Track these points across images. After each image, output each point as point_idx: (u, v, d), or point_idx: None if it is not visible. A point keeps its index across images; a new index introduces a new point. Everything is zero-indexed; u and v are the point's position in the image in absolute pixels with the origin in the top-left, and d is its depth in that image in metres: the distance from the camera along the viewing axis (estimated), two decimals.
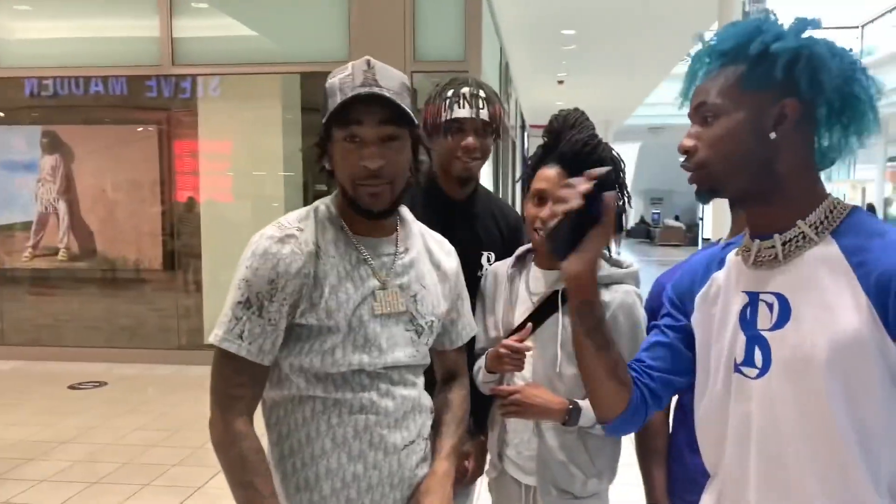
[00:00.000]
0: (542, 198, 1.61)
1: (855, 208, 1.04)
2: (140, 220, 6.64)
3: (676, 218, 25.86)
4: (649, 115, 17.04)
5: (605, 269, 1.64)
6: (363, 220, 1.33)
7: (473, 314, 1.64)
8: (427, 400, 1.43)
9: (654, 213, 24.94)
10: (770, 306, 1.03)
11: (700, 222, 22.11)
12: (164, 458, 4.07)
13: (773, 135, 1.00)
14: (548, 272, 1.68)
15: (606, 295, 1.61)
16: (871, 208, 14.70)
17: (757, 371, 1.04)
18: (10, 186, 6.70)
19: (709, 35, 1.07)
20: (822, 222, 1.02)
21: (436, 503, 1.33)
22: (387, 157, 1.26)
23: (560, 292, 1.62)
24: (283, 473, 1.32)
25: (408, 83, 1.32)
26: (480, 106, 1.79)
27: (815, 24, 1.01)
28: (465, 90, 1.78)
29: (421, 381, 1.42)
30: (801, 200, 1.03)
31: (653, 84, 12.41)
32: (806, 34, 1.01)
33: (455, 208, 1.87)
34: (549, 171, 1.61)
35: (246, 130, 6.68)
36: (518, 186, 13.00)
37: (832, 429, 0.97)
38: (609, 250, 1.70)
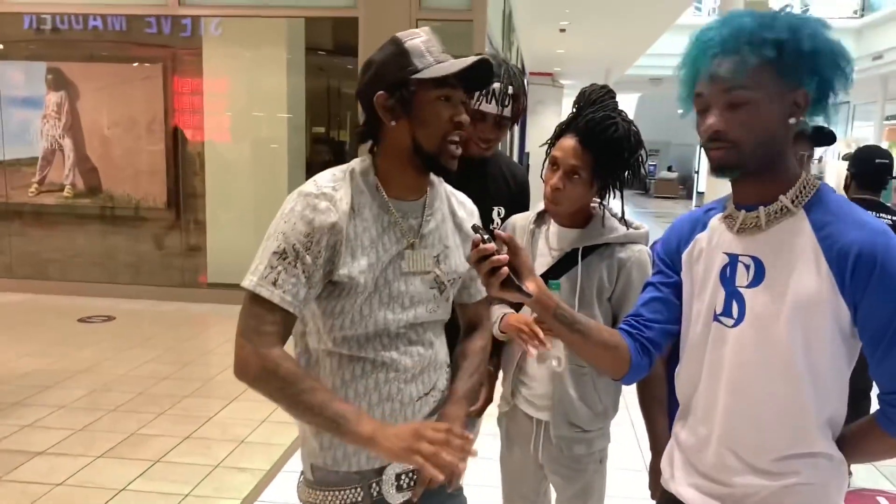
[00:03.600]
0: (555, 164, 1.76)
1: (823, 184, 1.21)
2: (144, 158, 6.73)
3: (670, 168, 25.86)
4: (651, 66, 16.90)
5: (620, 230, 1.81)
6: (402, 182, 1.42)
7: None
8: (444, 356, 1.53)
9: (650, 165, 24.97)
10: (747, 267, 1.21)
11: (696, 175, 22.18)
12: (175, 389, 4.29)
13: (792, 120, 1.15)
14: (567, 230, 1.84)
15: (622, 253, 1.79)
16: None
17: (733, 321, 1.23)
18: (12, 121, 6.76)
19: (693, 19, 1.19)
20: (797, 196, 1.19)
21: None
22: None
23: (580, 249, 1.79)
24: None
25: None
26: (506, 104, 1.92)
27: (826, 25, 1.15)
28: (496, 86, 1.89)
29: (439, 339, 1.51)
30: (785, 176, 1.20)
31: (655, 35, 12.32)
32: (823, 27, 1.14)
33: (469, 167, 2.00)
34: (567, 142, 1.74)
35: (250, 72, 6.72)
36: (517, 135, 12.97)
37: (790, 371, 1.17)
38: (623, 212, 1.84)
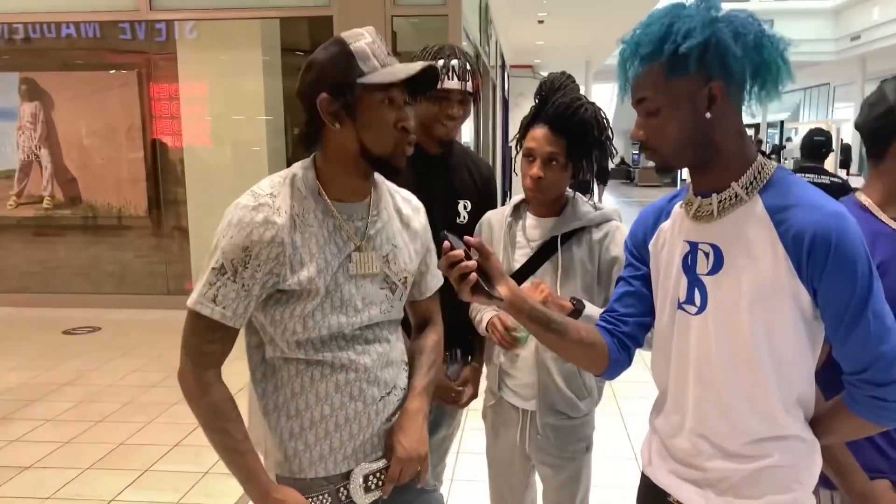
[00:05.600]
0: (531, 156, 1.79)
1: (779, 168, 1.20)
2: (123, 166, 6.66)
3: None
4: None
5: (593, 212, 1.85)
6: (345, 185, 1.40)
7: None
8: (401, 354, 1.53)
9: (634, 154, 25.01)
10: (707, 255, 1.21)
11: None
12: (163, 397, 4.26)
13: (708, 115, 1.15)
14: (543, 219, 1.87)
15: (598, 234, 1.83)
16: (846, 149, 14.75)
17: (696, 308, 1.23)
18: None
19: (627, 33, 1.20)
20: (751, 182, 1.18)
21: (407, 437, 1.43)
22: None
23: (558, 237, 1.81)
24: (271, 424, 1.41)
25: None
26: (466, 78, 1.93)
27: (716, 4, 1.15)
28: (455, 63, 1.91)
29: (395, 336, 1.51)
30: (734, 163, 1.19)
31: (633, 23, 12.33)
32: (712, 16, 1.13)
33: (432, 162, 2.01)
34: (538, 132, 1.78)
35: (226, 75, 6.67)
36: (499, 128, 12.99)
37: (753, 357, 1.17)
38: (592, 196, 1.90)
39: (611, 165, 1.84)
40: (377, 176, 1.48)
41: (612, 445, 3.16)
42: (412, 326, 1.66)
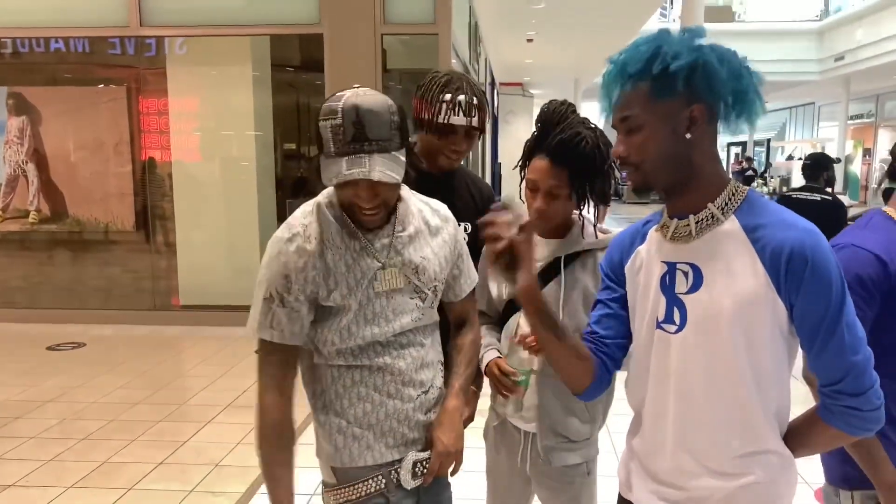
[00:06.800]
0: (534, 187, 1.80)
1: (750, 191, 1.25)
2: (111, 181, 6.63)
3: None
4: None
5: (599, 236, 1.86)
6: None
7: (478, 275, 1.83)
8: (437, 354, 1.63)
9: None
10: (686, 274, 1.24)
11: None
12: (148, 415, 4.21)
13: (688, 135, 1.19)
14: (548, 241, 1.87)
15: (602, 257, 1.81)
16: (836, 161, 14.89)
17: (676, 327, 1.25)
18: None
19: (615, 54, 1.24)
20: (726, 203, 1.22)
21: (446, 433, 1.57)
22: (380, 193, 1.43)
23: (562, 258, 1.82)
24: (321, 420, 1.56)
25: (393, 109, 1.41)
26: (473, 114, 1.95)
27: (701, 32, 1.21)
28: (462, 98, 1.93)
29: (430, 339, 1.61)
30: (710, 186, 1.23)
31: (622, 42, 12.44)
32: (697, 43, 1.19)
33: (434, 183, 2.00)
34: (540, 163, 1.79)
35: (216, 90, 6.67)
36: (489, 145, 13.02)
37: (734, 372, 1.20)
38: (596, 220, 1.92)
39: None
40: (404, 190, 1.58)
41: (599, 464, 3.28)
42: (451, 328, 1.74)
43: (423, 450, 1.58)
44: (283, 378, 1.51)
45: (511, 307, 1.89)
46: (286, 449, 1.51)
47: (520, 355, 1.85)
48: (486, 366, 1.88)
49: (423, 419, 1.58)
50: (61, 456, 3.66)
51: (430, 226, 1.60)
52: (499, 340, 1.93)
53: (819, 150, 5.14)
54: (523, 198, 1.86)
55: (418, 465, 1.57)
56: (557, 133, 1.75)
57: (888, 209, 1.57)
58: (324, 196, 1.53)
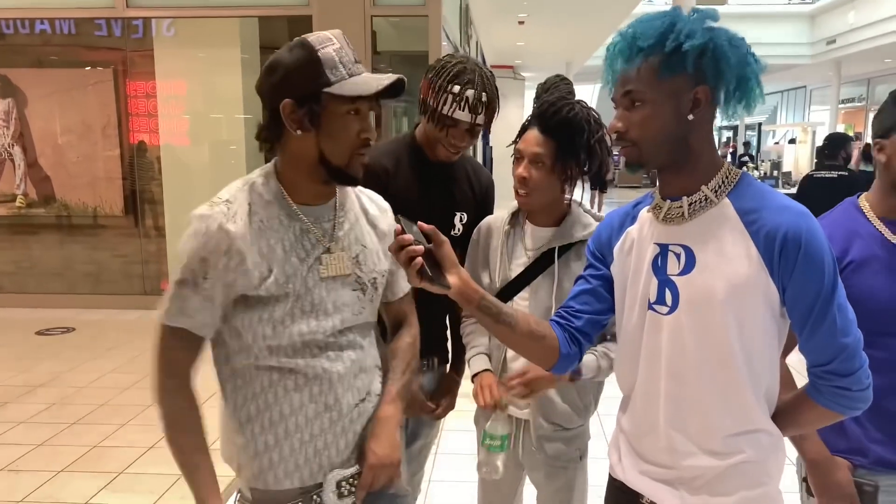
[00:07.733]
0: (520, 156, 1.78)
1: (744, 174, 1.25)
2: (99, 164, 6.58)
3: None
4: None
5: (595, 226, 1.78)
6: (308, 189, 1.39)
7: (463, 265, 1.73)
8: (374, 359, 1.51)
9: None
10: (678, 256, 1.24)
11: None
12: (138, 399, 4.21)
13: (690, 116, 1.19)
14: (541, 228, 1.84)
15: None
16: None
17: (668, 308, 1.25)
18: None
19: (625, 25, 1.22)
20: (720, 186, 1.22)
21: (380, 444, 1.43)
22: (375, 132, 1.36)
23: (556, 248, 1.79)
24: (245, 437, 1.38)
25: None
26: (479, 111, 1.83)
27: (713, 15, 1.20)
28: (470, 93, 1.80)
29: (368, 340, 1.49)
30: (705, 168, 1.23)
31: (613, 25, 12.42)
32: (709, 24, 1.18)
33: (434, 170, 1.96)
34: (530, 134, 1.77)
35: (204, 73, 6.61)
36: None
37: (726, 353, 1.20)
38: (582, 198, 1.89)
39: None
40: None
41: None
42: (388, 329, 1.64)
43: (354, 464, 1.44)
44: (189, 365, 1.37)
45: (503, 297, 1.87)
46: (198, 432, 1.37)
47: (511, 407, 1.85)
48: (476, 375, 1.85)
49: (360, 429, 1.44)
50: (52, 440, 3.65)
51: (368, 214, 1.51)
52: (489, 340, 1.91)
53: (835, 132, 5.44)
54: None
55: (343, 483, 1.41)
56: (544, 98, 1.74)
57: (862, 201, 1.59)
58: (259, 173, 1.40)
